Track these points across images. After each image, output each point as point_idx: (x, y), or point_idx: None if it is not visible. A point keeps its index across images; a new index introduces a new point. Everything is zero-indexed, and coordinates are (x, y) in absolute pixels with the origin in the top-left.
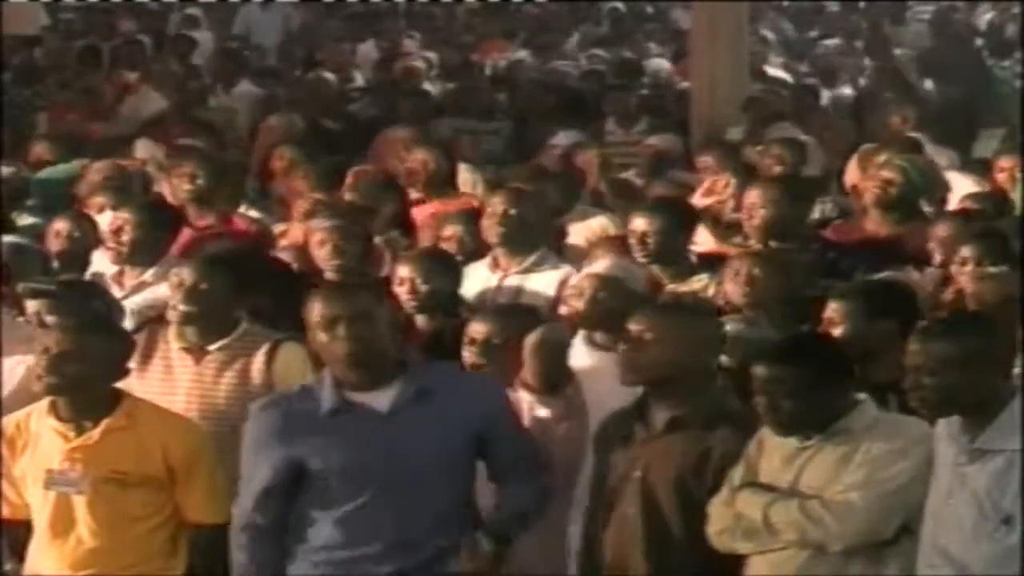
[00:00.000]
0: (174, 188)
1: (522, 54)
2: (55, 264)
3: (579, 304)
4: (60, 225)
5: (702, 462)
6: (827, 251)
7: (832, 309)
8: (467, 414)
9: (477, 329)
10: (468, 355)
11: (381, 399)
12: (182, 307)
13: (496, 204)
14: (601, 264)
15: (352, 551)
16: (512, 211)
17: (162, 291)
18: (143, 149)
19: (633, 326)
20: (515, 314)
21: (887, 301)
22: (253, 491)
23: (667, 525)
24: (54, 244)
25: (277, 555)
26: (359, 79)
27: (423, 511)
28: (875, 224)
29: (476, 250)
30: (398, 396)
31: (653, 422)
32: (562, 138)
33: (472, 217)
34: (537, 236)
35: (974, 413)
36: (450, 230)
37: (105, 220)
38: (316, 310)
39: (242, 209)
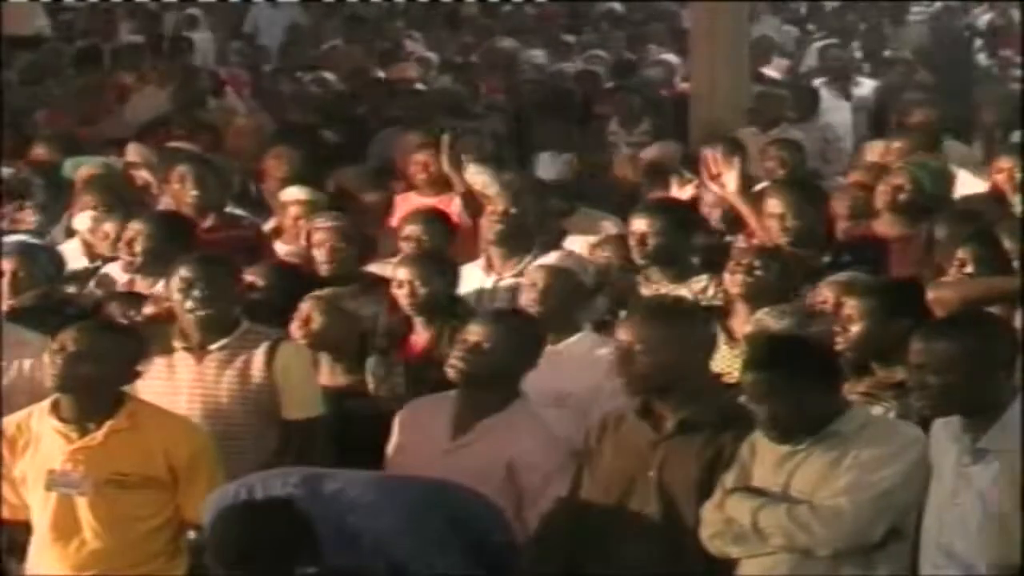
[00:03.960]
0: (174, 194)
1: (536, 53)
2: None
3: (532, 295)
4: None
5: (715, 462)
6: (841, 253)
7: (850, 306)
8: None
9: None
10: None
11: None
12: (192, 310)
13: (496, 203)
14: (552, 256)
15: None
16: (512, 210)
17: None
18: (134, 152)
19: (622, 336)
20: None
21: (905, 300)
22: None
23: (685, 524)
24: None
25: None
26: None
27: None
28: (885, 226)
29: (433, 250)
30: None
31: (662, 423)
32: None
33: (435, 218)
34: (534, 238)
35: (977, 412)
36: (409, 229)
37: (84, 221)
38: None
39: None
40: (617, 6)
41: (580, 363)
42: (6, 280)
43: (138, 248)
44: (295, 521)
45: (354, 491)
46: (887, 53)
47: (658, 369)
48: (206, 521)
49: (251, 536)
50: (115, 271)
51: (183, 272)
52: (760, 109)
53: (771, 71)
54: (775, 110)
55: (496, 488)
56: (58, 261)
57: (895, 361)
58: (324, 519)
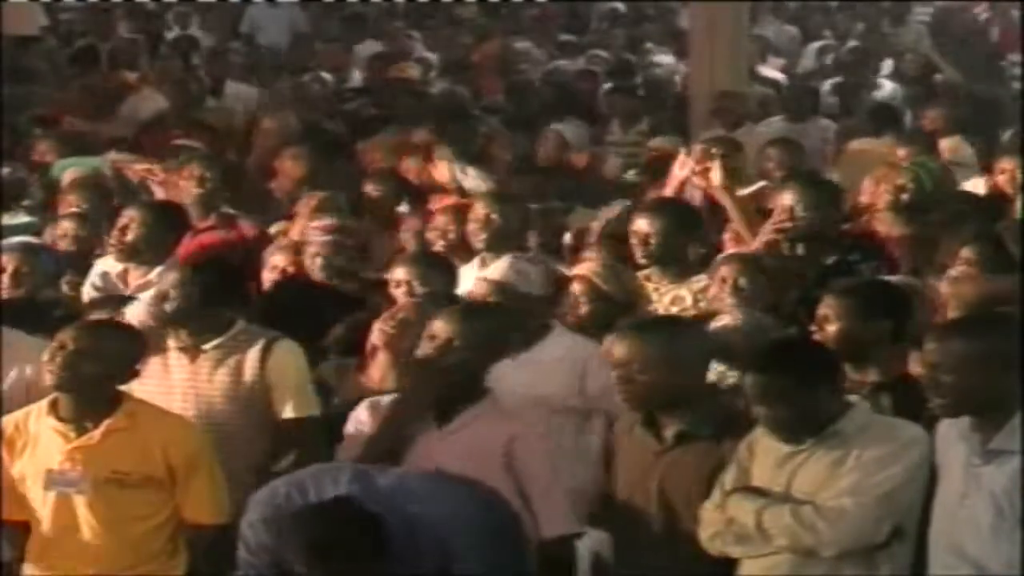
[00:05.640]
0: (183, 188)
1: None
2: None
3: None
4: (67, 225)
5: (715, 474)
6: (850, 251)
7: (827, 306)
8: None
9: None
10: None
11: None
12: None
13: (478, 208)
14: (497, 267)
15: None
16: (493, 215)
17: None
18: (124, 154)
19: (618, 354)
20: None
21: (882, 301)
22: None
23: (685, 536)
24: (60, 244)
25: None
26: (357, 79)
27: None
28: (886, 226)
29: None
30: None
31: (663, 433)
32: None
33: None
34: (524, 237)
35: (990, 413)
36: (441, 220)
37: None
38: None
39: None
40: (619, 6)
41: (556, 365)
42: (6, 277)
43: (130, 236)
44: (366, 518)
45: (413, 482)
46: (909, 56)
47: (658, 387)
48: (248, 520)
49: (331, 535)
50: (109, 264)
51: (161, 284)
52: (722, 109)
53: (769, 71)
54: (738, 109)
55: (495, 471)
56: (58, 261)
57: (869, 362)
58: (386, 511)
